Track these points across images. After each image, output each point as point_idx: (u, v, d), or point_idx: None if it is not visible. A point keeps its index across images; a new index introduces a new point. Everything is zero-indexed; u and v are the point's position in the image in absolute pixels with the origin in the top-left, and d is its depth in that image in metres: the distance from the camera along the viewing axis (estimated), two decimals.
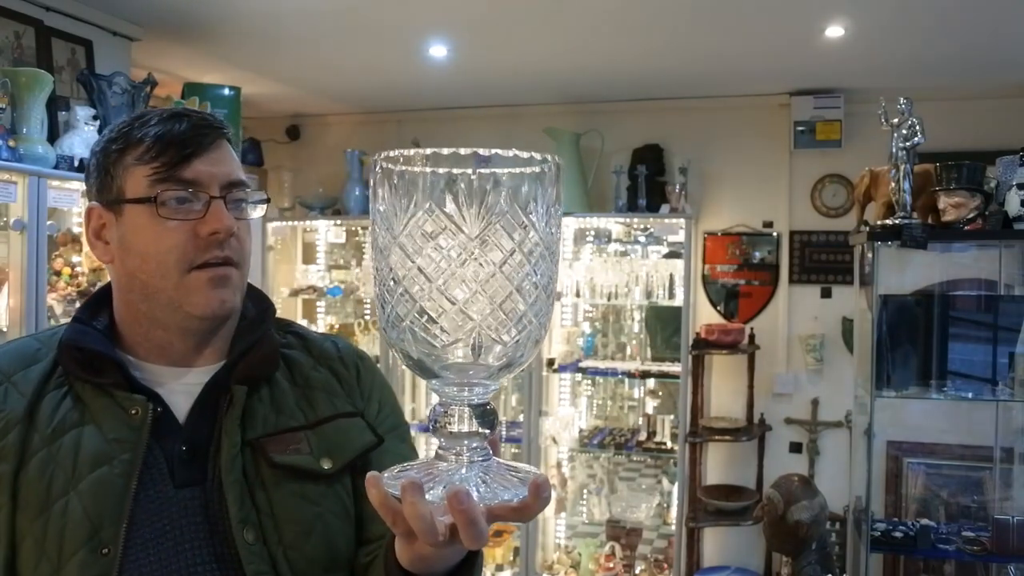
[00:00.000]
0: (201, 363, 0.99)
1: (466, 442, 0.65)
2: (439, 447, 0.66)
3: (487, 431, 0.65)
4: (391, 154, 0.61)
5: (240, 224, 0.96)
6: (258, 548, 0.91)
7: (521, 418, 4.03)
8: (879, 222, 2.94)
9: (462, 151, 0.60)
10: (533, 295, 0.61)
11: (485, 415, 0.65)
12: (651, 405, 4.27)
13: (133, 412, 0.91)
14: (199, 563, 0.89)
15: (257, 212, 1.00)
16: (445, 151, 0.60)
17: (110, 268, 0.98)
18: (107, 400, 0.92)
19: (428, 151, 0.60)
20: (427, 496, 0.62)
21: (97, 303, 1.01)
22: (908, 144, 2.81)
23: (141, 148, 0.92)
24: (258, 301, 1.07)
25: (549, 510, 4.10)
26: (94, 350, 0.93)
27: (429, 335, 0.61)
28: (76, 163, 2.41)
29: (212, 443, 0.94)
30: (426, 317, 0.60)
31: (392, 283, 0.61)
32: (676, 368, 3.88)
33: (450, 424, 0.65)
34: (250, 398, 0.97)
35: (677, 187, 3.87)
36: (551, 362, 3.99)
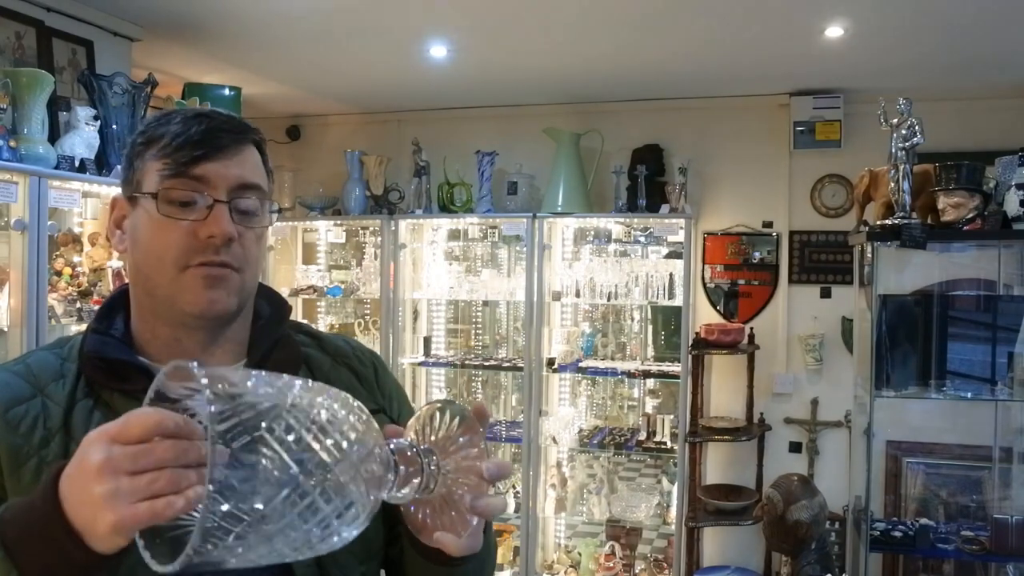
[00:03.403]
0: (214, 363, 0.99)
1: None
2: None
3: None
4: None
5: (246, 232, 0.95)
6: None
7: (521, 418, 4.04)
8: (879, 222, 2.95)
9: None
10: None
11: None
12: (651, 405, 4.28)
13: None
14: None
15: (265, 221, 0.99)
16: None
17: (124, 258, 0.99)
18: (137, 405, 0.93)
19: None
20: None
21: (110, 310, 1.02)
22: (907, 144, 2.81)
23: (160, 144, 0.93)
24: (273, 301, 1.08)
25: (549, 509, 4.11)
26: (118, 359, 0.95)
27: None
28: (77, 163, 2.42)
29: None
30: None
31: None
32: (676, 368, 3.88)
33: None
34: None
35: (677, 187, 3.87)
36: (551, 362, 4.00)
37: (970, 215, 2.81)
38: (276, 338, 1.03)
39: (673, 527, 3.90)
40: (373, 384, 1.10)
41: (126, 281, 1.03)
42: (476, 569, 0.92)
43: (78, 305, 2.48)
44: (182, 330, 0.97)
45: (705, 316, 4.06)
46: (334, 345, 1.11)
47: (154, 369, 0.96)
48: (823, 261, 3.97)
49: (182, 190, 0.92)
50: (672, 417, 3.99)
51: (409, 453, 0.76)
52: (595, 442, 4.01)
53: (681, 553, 3.84)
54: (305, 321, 4.19)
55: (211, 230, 0.92)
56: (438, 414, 0.81)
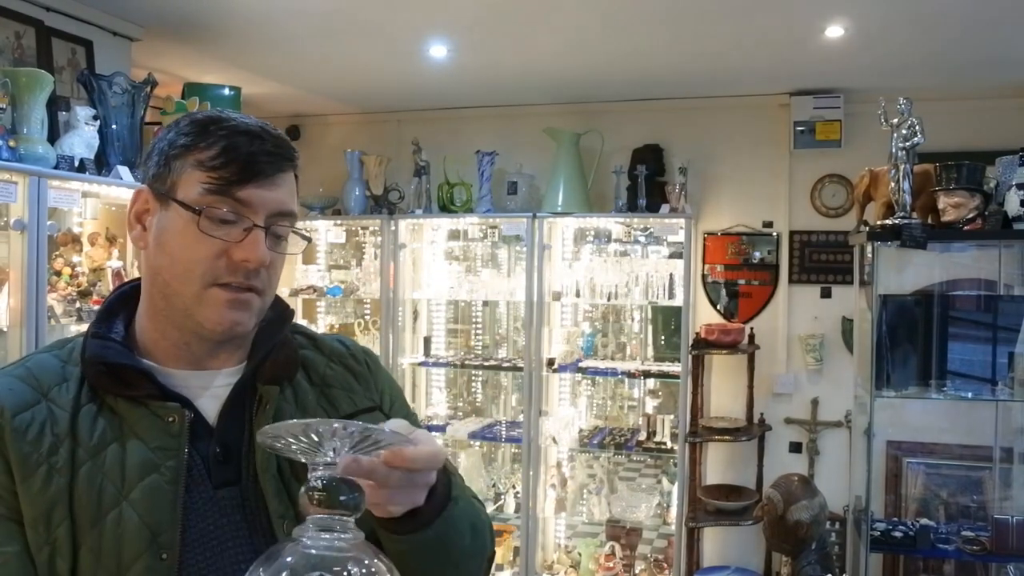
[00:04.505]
0: (217, 366, 1.00)
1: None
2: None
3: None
4: None
5: (274, 256, 0.96)
6: None
7: (521, 418, 4.04)
8: (879, 222, 2.95)
9: None
10: None
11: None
12: (651, 405, 4.27)
13: (170, 420, 0.93)
14: (241, 560, 0.91)
15: (295, 248, 1.00)
16: None
17: (141, 254, 0.99)
18: (143, 410, 0.93)
19: None
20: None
21: (109, 313, 1.01)
22: (908, 144, 2.81)
23: (207, 153, 0.92)
24: (274, 303, 1.08)
25: (549, 509, 4.10)
26: (121, 364, 0.94)
27: None
28: (76, 163, 2.42)
29: (243, 443, 0.97)
30: None
31: None
32: (676, 368, 3.88)
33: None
34: (276, 398, 1.00)
35: (677, 187, 3.86)
36: (551, 362, 3.99)
37: (970, 215, 2.81)
38: (277, 340, 1.04)
39: (673, 527, 3.90)
40: (368, 381, 1.11)
41: (126, 281, 1.02)
42: (439, 535, 0.88)
43: (77, 305, 2.48)
44: (193, 337, 0.97)
45: (705, 316, 4.05)
46: (329, 346, 1.13)
47: (158, 373, 0.96)
48: (823, 261, 3.97)
49: (225, 211, 0.92)
50: (672, 417, 3.99)
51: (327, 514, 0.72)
52: (595, 442, 4.01)
53: (681, 553, 3.84)
54: (304, 322, 4.19)
55: (247, 254, 0.92)
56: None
